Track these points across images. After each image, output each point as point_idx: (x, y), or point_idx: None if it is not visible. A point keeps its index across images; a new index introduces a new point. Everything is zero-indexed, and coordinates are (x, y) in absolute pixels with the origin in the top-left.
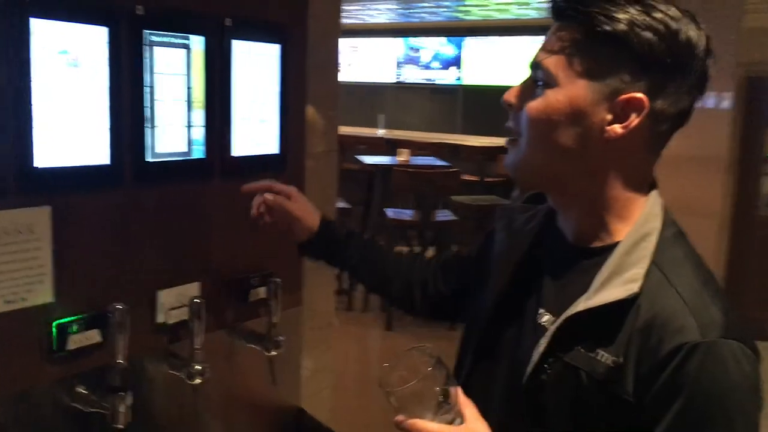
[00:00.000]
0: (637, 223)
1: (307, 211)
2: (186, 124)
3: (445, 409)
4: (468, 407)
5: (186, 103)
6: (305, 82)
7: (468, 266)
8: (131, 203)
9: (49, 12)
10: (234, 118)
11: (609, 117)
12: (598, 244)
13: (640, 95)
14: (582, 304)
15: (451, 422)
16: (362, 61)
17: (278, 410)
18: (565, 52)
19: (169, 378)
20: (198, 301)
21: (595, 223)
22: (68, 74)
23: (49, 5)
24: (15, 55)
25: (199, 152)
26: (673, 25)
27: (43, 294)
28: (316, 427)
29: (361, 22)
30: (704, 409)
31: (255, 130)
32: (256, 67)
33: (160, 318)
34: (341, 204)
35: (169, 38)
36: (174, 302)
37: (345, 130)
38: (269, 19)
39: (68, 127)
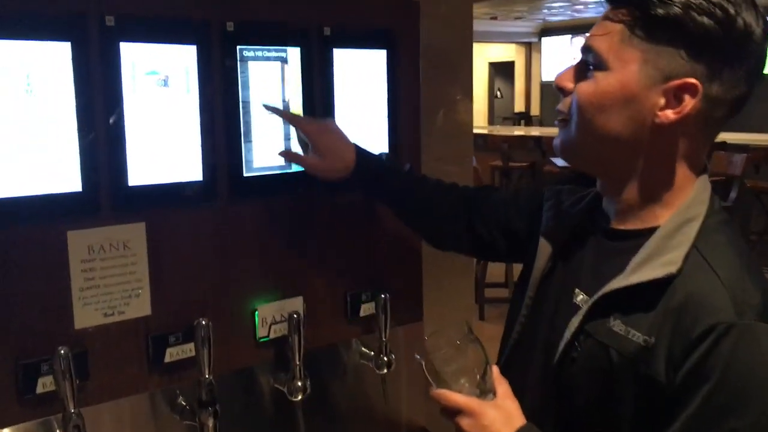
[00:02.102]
0: (681, 207)
1: (335, 149)
2: (284, 137)
3: (479, 384)
4: (501, 385)
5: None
6: (419, 87)
7: (515, 213)
8: (228, 218)
9: (136, 35)
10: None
11: (661, 102)
12: (639, 226)
13: (693, 80)
14: (616, 283)
15: (482, 397)
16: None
17: (400, 430)
18: (617, 35)
19: (274, 393)
20: (296, 315)
21: (639, 207)
22: (158, 94)
23: (136, 29)
24: (106, 78)
25: (299, 166)
26: (731, 9)
27: (141, 307)
28: None
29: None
30: (734, 395)
31: (362, 140)
32: (361, 75)
33: (262, 333)
34: None
35: (262, 52)
36: (276, 317)
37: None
38: (372, 25)
39: (160, 146)
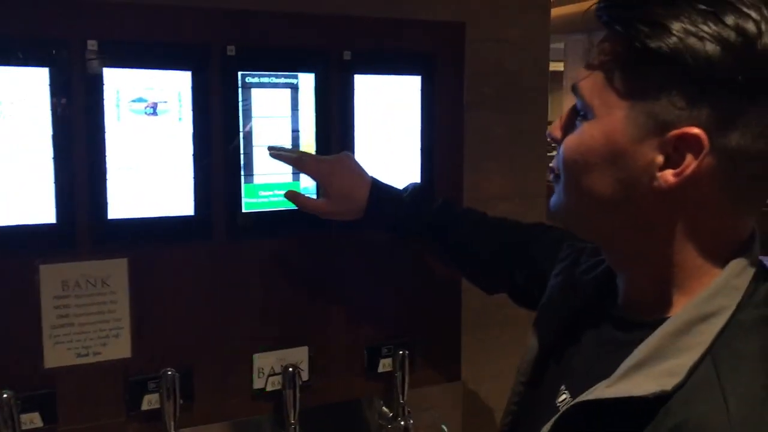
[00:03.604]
0: (701, 297)
1: (347, 191)
2: (292, 171)
3: None
4: None
5: (292, 148)
6: (461, 117)
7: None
8: (224, 257)
9: (120, 60)
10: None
11: (659, 159)
12: (648, 316)
13: (695, 130)
14: (596, 392)
15: None
16: None
17: None
18: (600, 74)
19: None
20: (291, 369)
21: (649, 291)
22: (145, 122)
23: (121, 54)
24: (87, 106)
25: None
26: (751, 29)
27: (119, 349)
28: None
29: None
30: None
31: (389, 175)
32: (389, 104)
33: (258, 384)
34: None
35: (269, 78)
36: (275, 368)
37: None
38: (404, 49)
39: (146, 177)
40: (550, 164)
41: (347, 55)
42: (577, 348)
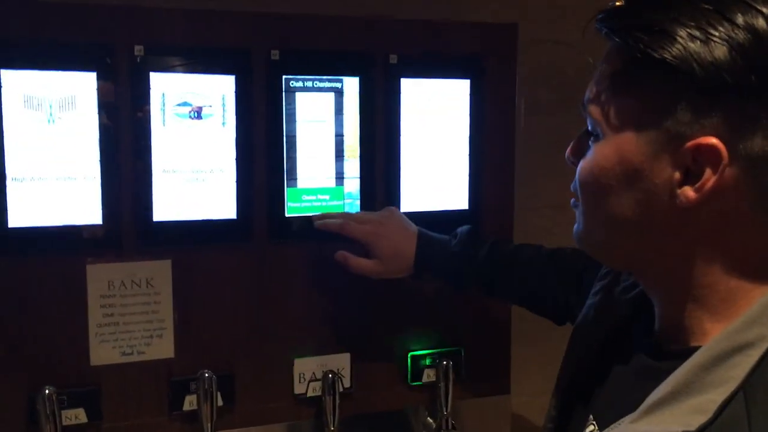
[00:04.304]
0: (735, 326)
1: (395, 251)
2: (335, 175)
3: None
4: None
5: (335, 152)
6: (513, 124)
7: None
8: (266, 260)
9: (165, 65)
10: (405, 168)
11: (677, 175)
12: (681, 345)
13: (711, 140)
14: (620, 428)
15: None
16: None
17: None
18: (609, 88)
19: None
20: (332, 374)
21: (682, 317)
22: (190, 126)
23: (166, 59)
24: (134, 109)
25: (353, 207)
26: (762, 26)
27: (163, 349)
28: None
29: None
30: None
31: (435, 182)
32: (437, 108)
33: (299, 389)
34: None
35: (312, 82)
36: (316, 373)
37: None
38: (452, 52)
39: (191, 181)
40: (571, 188)
41: (393, 59)
42: (610, 374)
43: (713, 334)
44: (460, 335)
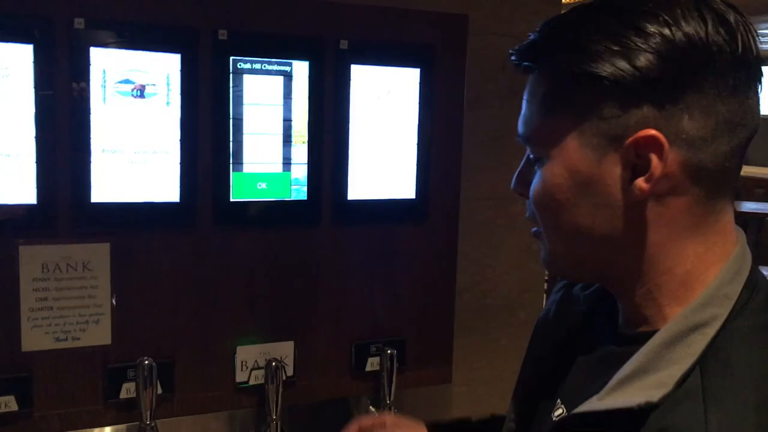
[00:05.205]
0: (691, 307)
1: None
2: (282, 159)
3: None
4: None
5: (283, 137)
6: (461, 113)
7: None
8: (209, 246)
9: (108, 40)
10: (353, 155)
11: (627, 172)
12: (644, 329)
13: (648, 132)
14: (587, 405)
15: None
16: None
17: None
18: (536, 113)
19: None
20: (275, 363)
21: (645, 305)
22: (132, 105)
23: (108, 33)
24: (74, 86)
25: (300, 193)
26: (666, 30)
27: (99, 335)
28: None
29: None
30: None
31: (383, 170)
32: (386, 96)
33: (241, 377)
34: None
35: (261, 65)
36: (259, 361)
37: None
38: (404, 40)
39: (132, 162)
40: (527, 216)
41: (344, 44)
42: (575, 364)
43: (672, 317)
44: (403, 325)
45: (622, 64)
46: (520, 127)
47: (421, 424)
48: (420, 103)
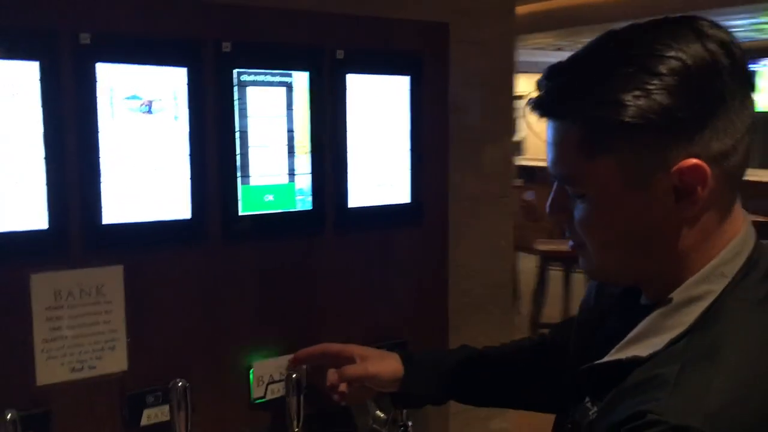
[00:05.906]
0: (689, 282)
1: (381, 362)
2: (288, 171)
3: None
4: None
5: (288, 148)
6: (447, 118)
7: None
8: (220, 262)
9: (114, 55)
10: (351, 163)
11: (671, 198)
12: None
13: (691, 161)
14: (597, 363)
15: None
16: None
17: None
18: (578, 158)
19: None
20: (295, 375)
21: (667, 291)
22: (140, 121)
23: (115, 48)
24: (80, 103)
25: (305, 203)
26: (676, 66)
27: (115, 362)
28: None
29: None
30: None
31: (380, 177)
32: (380, 103)
33: (257, 393)
34: None
35: (264, 76)
36: (274, 375)
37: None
38: (393, 49)
39: (141, 180)
40: (566, 232)
41: (340, 54)
42: (611, 333)
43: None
44: (403, 326)
45: (649, 107)
46: (556, 168)
47: (393, 355)
48: (411, 109)
